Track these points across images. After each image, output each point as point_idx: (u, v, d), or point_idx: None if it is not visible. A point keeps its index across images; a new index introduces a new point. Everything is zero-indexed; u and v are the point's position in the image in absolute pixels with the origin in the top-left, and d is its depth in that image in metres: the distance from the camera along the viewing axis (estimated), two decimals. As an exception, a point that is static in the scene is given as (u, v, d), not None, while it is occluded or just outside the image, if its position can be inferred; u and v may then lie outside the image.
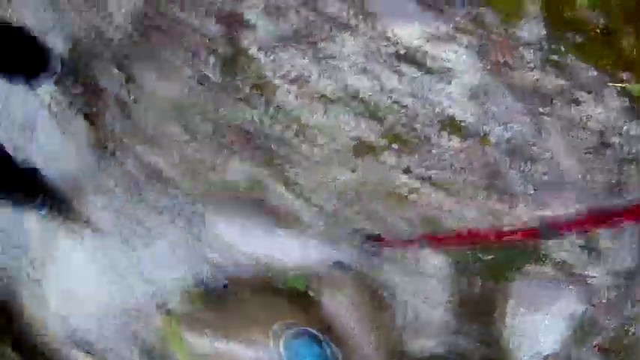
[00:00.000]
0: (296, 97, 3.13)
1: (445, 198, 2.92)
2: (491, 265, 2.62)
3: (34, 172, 3.76)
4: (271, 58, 3.16)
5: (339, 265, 3.13)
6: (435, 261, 2.73)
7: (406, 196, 3.05)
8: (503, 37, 2.84)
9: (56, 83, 3.85)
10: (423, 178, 3.01)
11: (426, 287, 2.73)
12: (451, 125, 2.87)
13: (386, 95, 3.01)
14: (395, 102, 2.99)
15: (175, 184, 3.50)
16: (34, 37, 3.69)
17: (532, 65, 2.80)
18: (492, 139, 2.64)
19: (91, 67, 3.86)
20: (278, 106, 3.17)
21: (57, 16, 4.11)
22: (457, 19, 2.90)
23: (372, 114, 3.04)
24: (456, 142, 2.86)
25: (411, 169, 3.04)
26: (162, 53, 3.51)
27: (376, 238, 3.05)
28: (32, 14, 4.25)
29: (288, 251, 3.27)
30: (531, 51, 2.81)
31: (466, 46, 2.88)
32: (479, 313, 2.67)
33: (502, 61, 2.82)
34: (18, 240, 4.11)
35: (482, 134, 2.67)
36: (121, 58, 3.70)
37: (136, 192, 3.61)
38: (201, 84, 3.30)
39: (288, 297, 3.15)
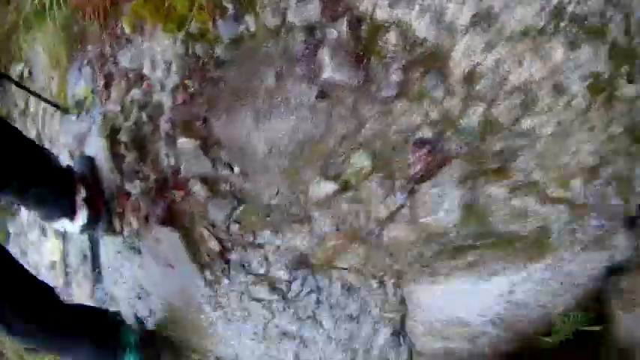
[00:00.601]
0: (484, 45, 1.58)
1: None
2: None
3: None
4: (418, 6, 1.64)
5: (616, 268, 1.76)
6: None
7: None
8: None
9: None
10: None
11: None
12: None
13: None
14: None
15: (336, 264, 1.95)
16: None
17: None
18: None
19: (146, 153, 2.42)
20: (462, 79, 1.63)
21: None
22: None
23: (592, 30, 1.62)
24: None
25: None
26: (244, 85, 2.02)
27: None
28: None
29: (538, 288, 1.78)
30: None
31: None
32: None
33: None
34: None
35: None
36: (189, 122, 2.24)
37: (279, 301, 2.07)
38: (324, 96, 1.78)
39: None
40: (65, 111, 3.17)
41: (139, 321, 2.57)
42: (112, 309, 2.66)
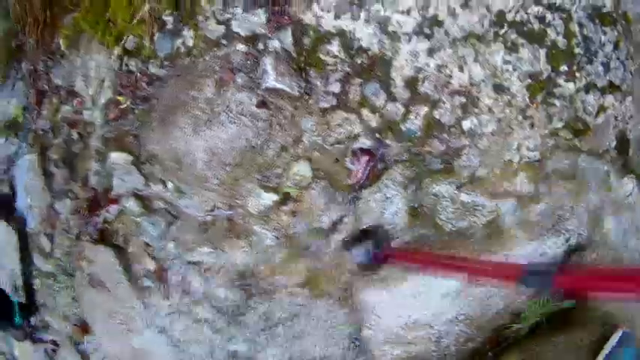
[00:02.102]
0: (427, 51, 1.42)
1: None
2: None
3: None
4: (364, 16, 1.46)
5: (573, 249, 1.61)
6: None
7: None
8: None
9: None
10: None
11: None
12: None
13: None
14: None
15: (280, 279, 1.67)
16: None
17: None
18: None
19: (76, 171, 2.04)
20: (404, 84, 1.44)
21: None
22: None
23: (532, 34, 1.54)
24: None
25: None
26: (181, 97, 1.73)
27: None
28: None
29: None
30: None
31: None
32: None
33: None
34: None
35: None
36: (121, 138, 1.91)
37: (225, 321, 1.75)
38: (265, 105, 1.53)
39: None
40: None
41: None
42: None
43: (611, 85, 1.63)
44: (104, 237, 1.86)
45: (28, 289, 2.39)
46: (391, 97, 1.45)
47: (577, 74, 1.54)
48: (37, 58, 2.49)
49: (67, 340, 2.16)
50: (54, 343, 2.26)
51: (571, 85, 1.53)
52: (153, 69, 1.86)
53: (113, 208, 1.81)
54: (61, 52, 2.35)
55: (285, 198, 1.55)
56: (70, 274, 2.07)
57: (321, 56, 1.50)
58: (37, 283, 2.29)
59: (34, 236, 2.23)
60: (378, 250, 1.39)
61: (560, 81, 1.52)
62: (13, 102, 2.61)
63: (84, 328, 2.11)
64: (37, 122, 2.25)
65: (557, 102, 1.51)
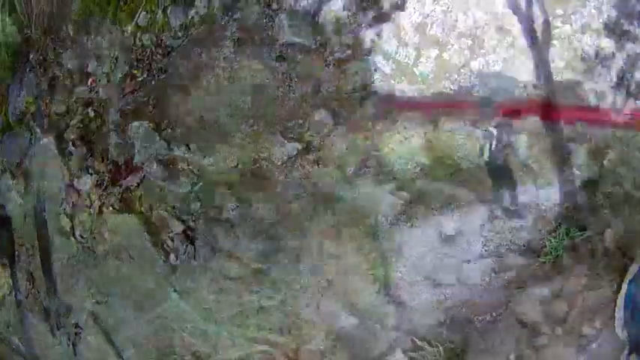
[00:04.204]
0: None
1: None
2: None
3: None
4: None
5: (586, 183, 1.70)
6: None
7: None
8: None
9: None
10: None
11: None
12: None
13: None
14: None
15: (307, 227, 1.76)
16: None
17: None
18: None
19: (94, 147, 2.13)
20: (414, 30, 1.56)
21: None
22: None
23: None
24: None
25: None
26: (199, 60, 1.84)
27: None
28: None
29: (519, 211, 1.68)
30: None
31: None
32: None
33: None
34: None
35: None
36: (139, 109, 2.00)
37: (254, 274, 1.83)
38: (283, 59, 1.63)
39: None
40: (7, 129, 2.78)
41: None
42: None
43: (605, 27, 1.74)
44: (128, 206, 1.94)
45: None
46: (402, 43, 1.56)
47: (572, 17, 1.65)
48: (46, 48, 2.57)
49: (91, 320, 2.21)
50: (77, 326, 2.29)
51: (567, 28, 1.64)
52: (167, 41, 1.96)
53: (136, 176, 1.89)
54: (70, 38, 2.43)
55: (308, 147, 1.64)
56: (93, 250, 2.13)
57: (334, 10, 1.62)
58: (57, 266, 2.34)
59: (53, 220, 2.28)
60: None
61: (558, 23, 1.63)
62: (22, 94, 2.68)
63: (107, 303, 2.16)
64: (51, 107, 2.33)
65: (556, 42, 1.62)
